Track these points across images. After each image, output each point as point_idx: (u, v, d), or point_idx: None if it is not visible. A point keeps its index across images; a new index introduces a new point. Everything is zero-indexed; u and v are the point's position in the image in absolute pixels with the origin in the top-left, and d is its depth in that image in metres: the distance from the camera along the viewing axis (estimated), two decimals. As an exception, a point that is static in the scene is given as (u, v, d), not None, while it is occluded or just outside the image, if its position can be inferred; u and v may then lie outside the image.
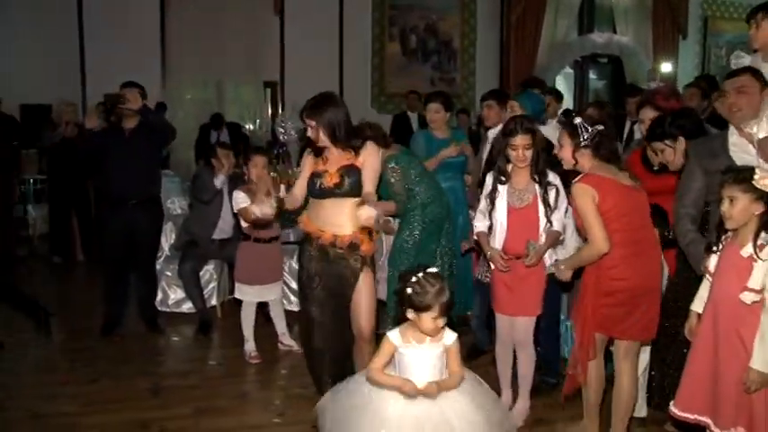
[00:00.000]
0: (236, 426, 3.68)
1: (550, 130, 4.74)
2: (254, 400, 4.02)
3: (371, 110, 11.14)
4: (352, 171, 3.41)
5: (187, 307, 5.58)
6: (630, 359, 3.23)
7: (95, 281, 5.41)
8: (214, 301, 5.64)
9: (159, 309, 5.48)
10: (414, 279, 2.58)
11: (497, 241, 3.58)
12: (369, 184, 3.42)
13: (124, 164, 4.85)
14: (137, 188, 4.93)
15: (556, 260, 3.53)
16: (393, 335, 2.65)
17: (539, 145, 3.54)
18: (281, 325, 4.82)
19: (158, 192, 5.23)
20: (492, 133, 4.68)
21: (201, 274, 5.56)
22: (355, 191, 3.40)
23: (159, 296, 5.52)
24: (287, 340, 4.80)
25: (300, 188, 3.58)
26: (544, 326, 3.91)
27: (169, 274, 5.61)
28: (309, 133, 3.46)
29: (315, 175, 3.47)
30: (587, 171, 3.12)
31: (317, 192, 3.45)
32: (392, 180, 4.28)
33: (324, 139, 3.43)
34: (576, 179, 3.11)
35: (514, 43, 11.69)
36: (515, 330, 3.66)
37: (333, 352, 3.57)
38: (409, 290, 2.57)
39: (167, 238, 5.81)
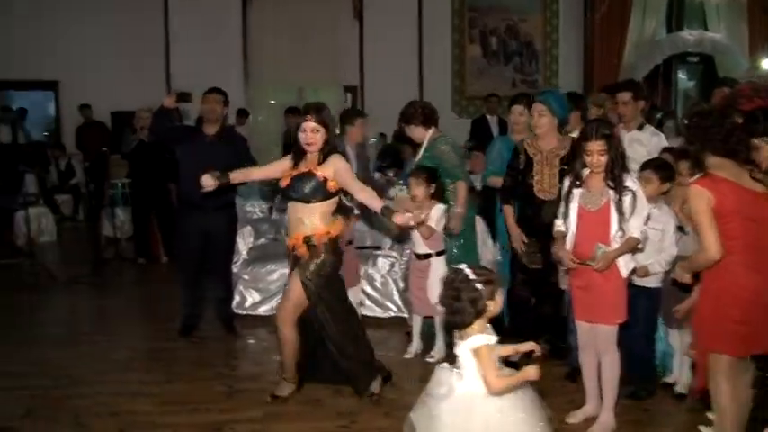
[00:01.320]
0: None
1: (646, 136, 4.67)
2: (325, 406, 4.00)
3: (451, 114, 11.06)
4: (307, 178, 3.72)
5: (263, 309, 5.64)
6: None
7: (176, 282, 5.53)
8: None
9: (236, 311, 5.55)
10: (464, 295, 2.58)
11: (568, 243, 3.53)
12: (357, 192, 3.81)
13: (201, 168, 4.92)
14: (213, 193, 4.99)
15: (635, 268, 3.44)
16: (482, 339, 2.60)
17: (615, 150, 3.41)
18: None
19: (234, 197, 5.30)
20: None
21: (275, 278, 5.62)
22: (308, 197, 3.72)
23: (236, 299, 5.60)
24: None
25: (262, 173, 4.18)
26: (638, 334, 3.80)
27: (246, 277, 5.68)
28: (309, 136, 3.72)
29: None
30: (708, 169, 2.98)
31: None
32: (446, 154, 4.68)
33: (317, 144, 3.73)
34: (692, 180, 3.02)
35: (598, 43, 11.35)
36: (596, 338, 3.54)
37: None
38: (468, 307, 2.57)
39: (245, 242, 5.89)
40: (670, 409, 3.89)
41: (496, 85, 10.83)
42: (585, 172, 3.50)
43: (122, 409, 3.93)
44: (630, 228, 3.38)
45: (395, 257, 5.56)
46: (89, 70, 10.11)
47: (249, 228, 5.96)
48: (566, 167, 3.97)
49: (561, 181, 3.86)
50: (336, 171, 3.76)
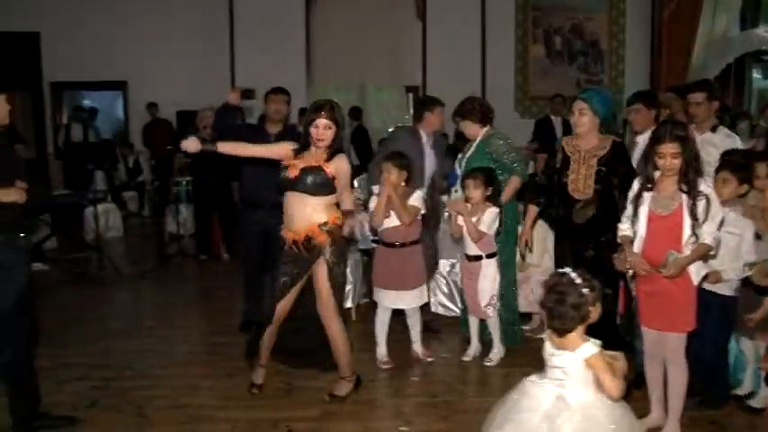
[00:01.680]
0: None
1: (720, 138, 4.53)
2: (381, 407, 3.97)
3: (514, 114, 10.92)
4: (317, 172, 3.76)
5: (322, 308, 5.64)
6: None
7: (236, 279, 5.59)
8: (349, 304, 5.66)
9: (296, 309, 5.57)
10: (569, 300, 2.54)
11: (635, 248, 3.41)
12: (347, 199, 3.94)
13: (263, 167, 4.95)
14: (274, 192, 5.01)
15: (707, 274, 3.34)
16: (593, 347, 2.56)
17: (689, 153, 3.28)
18: (414, 333, 4.66)
19: None
20: (642, 139, 4.40)
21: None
22: (315, 190, 3.76)
23: (297, 297, 5.61)
24: (418, 349, 4.66)
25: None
26: (709, 343, 3.65)
27: (306, 275, 5.69)
28: (320, 132, 3.75)
29: (281, 168, 3.87)
30: None
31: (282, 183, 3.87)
32: (503, 148, 4.69)
33: (327, 140, 3.77)
34: None
35: (666, 42, 10.97)
36: (664, 346, 3.43)
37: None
38: (571, 312, 2.54)
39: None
40: (740, 423, 3.71)
41: (560, 85, 10.63)
42: (657, 174, 3.37)
43: (183, 402, 3.99)
44: (704, 233, 3.24)
45: (455, 258, 5.49)
46: (156, 70, 10.36)
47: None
48: (603, 168, 3.96)
49: (597, 182, 3.95)
50: (338, 170, 3.81)
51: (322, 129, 3.78)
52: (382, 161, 4.48)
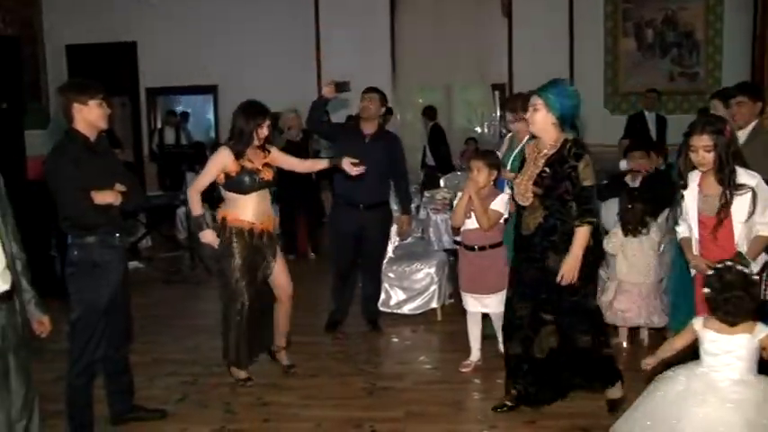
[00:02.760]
0: (446, 434, 3.61)
1: None
2: (466, 410, 3.92)
3: (604, 110, 10.58)
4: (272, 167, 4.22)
5: (408, 308, 5.63)
6: None
7: (322, 279, 5.64)
8: (434, 304, 5.62)
9: (381, 309, 5.57)
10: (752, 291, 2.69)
11: (693, 249, 3.36)
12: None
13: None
14: (369, 192, 5.01)
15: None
16: (765, 327, 2.68)
17: (725, 147, 3.14)
18: (500, 338, 4.48)
19: (388, 196, 5.31)
20: (744, 134, 4.11)
21: (420, 277, 5.62)
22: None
23: (382, 297, 5.61)
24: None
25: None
26: None
27: (392, 275, 5.67)
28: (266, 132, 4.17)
29: (245, 172, 4.07)
30: None
31: (254, 186, 4.10)
32: None
33: (263, 138, 4.15)
34: None
35: (770, 30, 10.38)
36: None
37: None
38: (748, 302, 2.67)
39: (391, 240, 5.89)
40: None
41: (652, 79, 10.21)
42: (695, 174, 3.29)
43: (268, 399, 4.06)
44: (757, 226, 3.14)
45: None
46: (244, 74, 10.57)
47: (395, 226, 5.98)
48: (546, 170, 3.46)
49: (537, 184, 3.47)
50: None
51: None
52: (471, 159, 4.40)
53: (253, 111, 4.18)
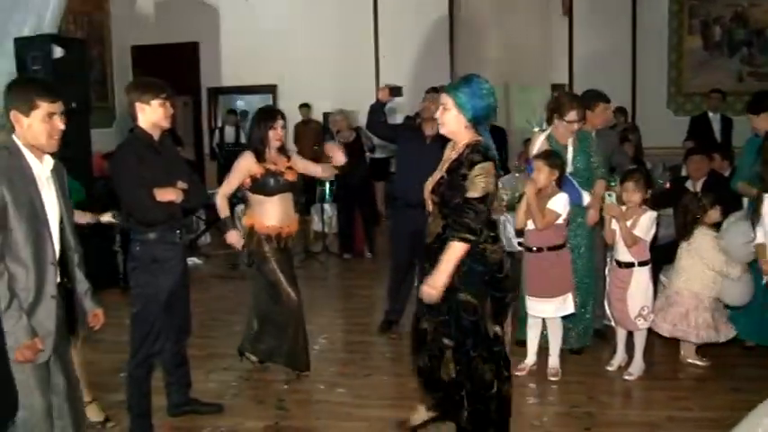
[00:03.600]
0: (500, 438, 3.55)
1: None
2: (519, 414, 3.83)
3: (667, 111, 10.31)
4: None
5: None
6: None
7: (378, 278, 5.64)
8: (488, 306, 5.56)
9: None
10: None
11: None
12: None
13: (418, 168, 4.91)
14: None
15: None
16: None
17: None
18: (552, 345, 4.39)
19: None
20: None
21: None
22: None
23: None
24: (553, 363, 4.38)
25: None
26: None
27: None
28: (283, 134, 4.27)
29: (269, 174, 4.16)
30: None
31: (278, 187, 4.19)
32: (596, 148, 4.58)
33: (279, 139, 4.22)
34: None
35: None
36: None
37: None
38: None
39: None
40: None
41: (719, 79, 9.89)
42: None
43: (320, 398, 4.09)
44: None
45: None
46: (303, 74, 10.69)
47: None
48: (445, 176, 3.18)
49: (436, 191, 3.20)
50: None
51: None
52: (535, 159, 4.33)
53: (263, 114, 4.35)
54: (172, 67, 10.69)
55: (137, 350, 3.47)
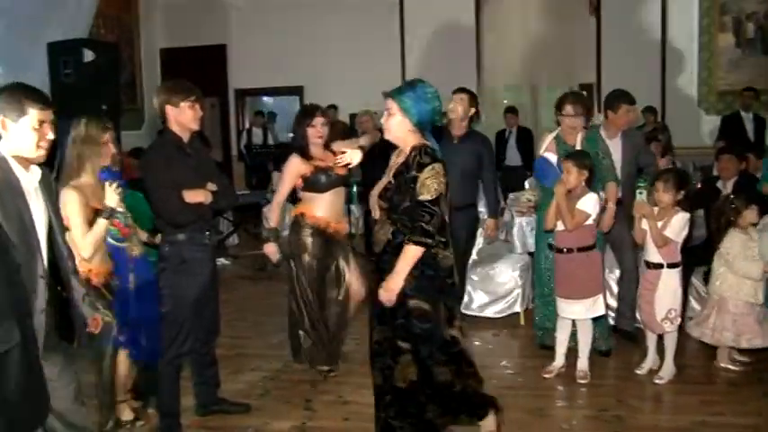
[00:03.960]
0: (528, 441, 3.54)
1: None
2: (548, 416, 3.82)
3: (698, 110, 10.16)
4: None
5: (491, 312, 5.57)
6: None
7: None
8: (518, 308, 5.53)
9: (463, 312, 5.51)
10: None
11: None
12: None
13: (446, 169, 4.91)
14: (455, 194, 4.94)
15: None
16: None
17: None
18: (581, 347, 4.33)
19: (475, 198, 5.25)
20: None
21: (504, 280, 5.54)
22: None
23: (465, 299, 5.55)
24: (582, 366, 4.31)
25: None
26: None
27: (475, 278, 5.62)
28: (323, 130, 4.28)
29: (319, 171, 4.20)
30: None
31: (330, 183, 4.25)
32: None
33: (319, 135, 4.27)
34: None
35: None
36: None
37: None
38: None
39: (475, 242, 5.84)
40: None
41: (752, 77, 9.70)
42: None
43: (349, 399, 4.08)
44: None
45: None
46: (330, 76, 10.73)
47: (480, 229, 5.91)
48: (392, 181, 3.10)
49: (384, 197, 3.12)
50: None
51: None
52: (564, 160, 4.29)
53: (302, 112, 4.42)
54: (200, 69, 10.81)
55: (166, 349, 3.50)
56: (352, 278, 4.43)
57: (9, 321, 1.66)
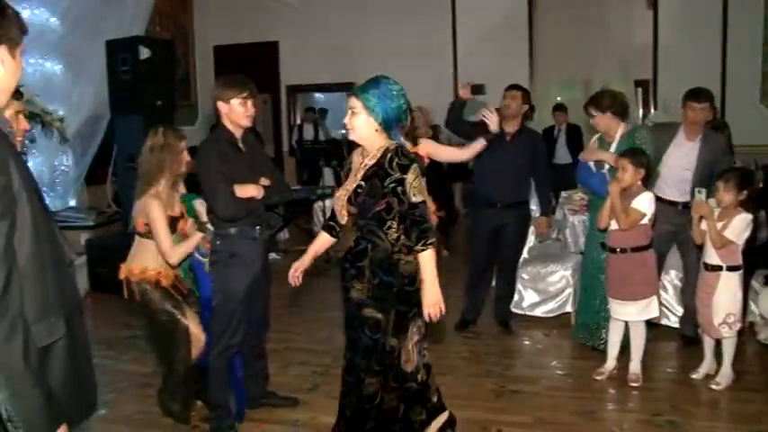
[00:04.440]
0: (578, 444, 3.48)
1: None
2: (598, 420, 3.74)
3: (760, 106, 9.83)
4: None
5: (541, 311, 5.50)
6: None
7: (455, 277, 5.59)
8: (569, 308, 5.44)
9: (513, 311, 5.47)
10: None
11: None
12: None
13: (499, 166, 4.87)
14: (507, 191, 4.95)
15: None
16: None
17: None
18: (633, 349, 4.22)
19: (527, 195, 5.19)
20: None
21: (555, 279, 5.47)
22: None
23: (515, 298, 5.50)
24: (634, 368, 4.22)
25: None
26: None
27: (526, 276, 5.56)
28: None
29: None
30: None
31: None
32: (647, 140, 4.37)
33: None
34: None
35: None
36: None
37: None
38: None
39: (527, 241, 5.77)
40: None
41: (819, 72, 9.37)
42: None
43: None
44: None
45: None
46: (380, 72, 10.67)
47: (531, 227, 5.84)
48: (362, 184, 2.95)
49: (352, 201, 2.98)
50: None
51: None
52: (620, 157, 4.19)
53: None
54: (252, 66, 10.91)
55: (217, 341, 3.54)
56: None
57: (56, 316, 1.68)
